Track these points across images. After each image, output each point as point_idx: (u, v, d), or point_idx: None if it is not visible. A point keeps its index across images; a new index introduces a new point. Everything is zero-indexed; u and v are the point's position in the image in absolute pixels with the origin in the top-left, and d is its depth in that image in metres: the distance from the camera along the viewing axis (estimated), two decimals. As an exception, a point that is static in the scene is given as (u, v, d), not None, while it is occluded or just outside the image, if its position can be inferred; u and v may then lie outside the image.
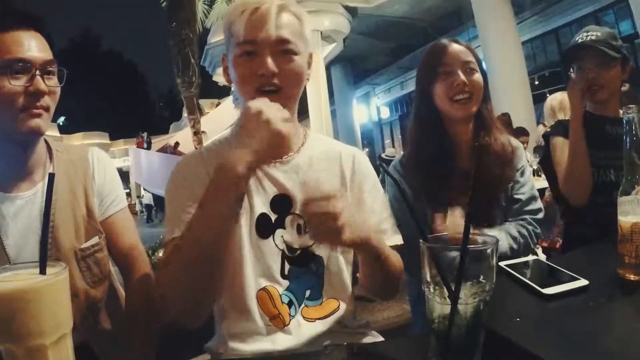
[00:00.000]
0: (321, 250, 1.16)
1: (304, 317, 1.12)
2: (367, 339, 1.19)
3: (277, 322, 1.10)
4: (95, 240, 1.27)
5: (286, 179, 1.15)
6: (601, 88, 1.82)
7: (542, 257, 1.56)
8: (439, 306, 0.66)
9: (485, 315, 0.66)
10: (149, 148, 19.63)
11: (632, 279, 1.00)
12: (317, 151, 1.23)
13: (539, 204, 1.64)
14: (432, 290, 0.67)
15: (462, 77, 1.52)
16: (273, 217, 1.13)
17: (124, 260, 1.34)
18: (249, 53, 1.07)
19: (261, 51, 1.05)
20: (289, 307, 1.11)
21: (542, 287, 0.97)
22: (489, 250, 0.65)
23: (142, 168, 18.13)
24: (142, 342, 1.22)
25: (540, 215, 1.63)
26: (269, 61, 1.05)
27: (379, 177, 1.32)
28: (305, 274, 1.14)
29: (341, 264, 1.18)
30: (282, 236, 1.13)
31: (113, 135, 34.43)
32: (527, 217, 1.59)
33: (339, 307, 1.16)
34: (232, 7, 1.11)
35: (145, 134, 21.03)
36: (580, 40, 1.85)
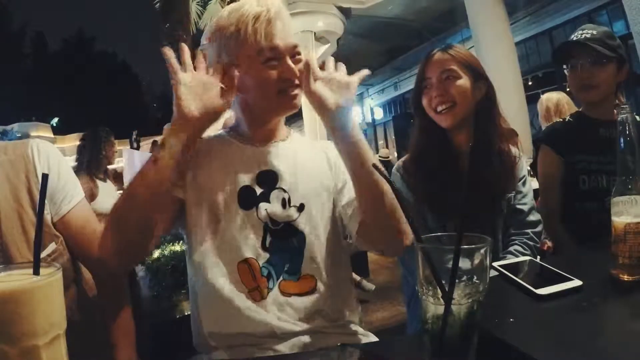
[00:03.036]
0: (304, 227, 1.18)
1: (281, 291, 1.14)
2: (361, 340, 1.19)
3: (255, 295, 1.12)
4: (51, 247, 1.15)
5: (273, 157, 1.21)
6: (594, 88, 1.78)
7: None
8: (433, 306, 0.66)
9: (479, 316, 0.66)
10: (137, 148, 19.45)
11: (625, 279, 1.01)
12: (301, 142, 1.32)
13: (538, 215, 1.66)
14: (425, 290, 0.67)
15: (437, 89, 1.53)
16: (258, 190, 1.17)
17: (88, 259, 1.23)
18: (268, 59, 1.13)
19: (283, 57, 1.14)
20: (268, 280, 1.13)
21: (536, 288, 0.97)
22: (482, 251, 0.65)
23: (136, 169, 18.03)
24: (122, 340, 1.21)
25: (540, 228, 1.64)
26: (293, 66, 1.14)
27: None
28: (286, 247, 1.17)
29: (326, 243, 1.20)
30: (265, 209, 1.15)
31: (107, 136, 34.25)
32: (528, 231, 1.60)
33: (316, 285, 1.17)
34: (233, 14, 1.15)
35: (135, 133, 20.77)
36: (575, 39, 1.82)
